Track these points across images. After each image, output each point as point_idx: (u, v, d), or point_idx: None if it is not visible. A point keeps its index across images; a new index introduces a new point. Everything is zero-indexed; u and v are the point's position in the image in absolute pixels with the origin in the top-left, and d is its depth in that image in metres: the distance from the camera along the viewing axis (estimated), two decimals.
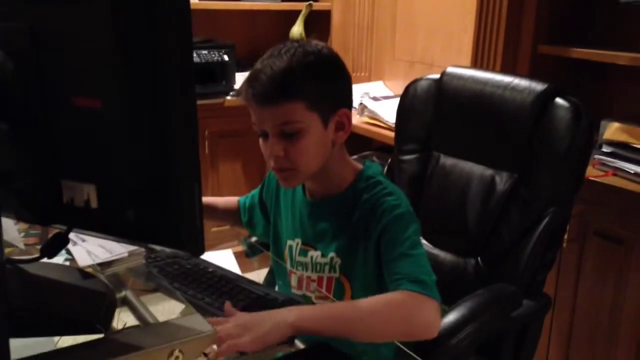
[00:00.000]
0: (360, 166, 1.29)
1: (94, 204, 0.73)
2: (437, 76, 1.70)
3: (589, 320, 2.01)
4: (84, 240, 1.21)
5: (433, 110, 1.68)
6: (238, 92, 1.22)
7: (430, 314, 1.07)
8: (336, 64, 1.20)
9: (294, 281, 1.33)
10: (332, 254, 1.24)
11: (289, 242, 1.33)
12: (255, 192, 1.48)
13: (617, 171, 1.91)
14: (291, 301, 1.15)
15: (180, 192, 0.69)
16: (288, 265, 1.34)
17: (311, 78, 1.14)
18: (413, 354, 1.04)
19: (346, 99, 1.22)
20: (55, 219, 0.80)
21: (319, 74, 1.16)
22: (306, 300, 1.30)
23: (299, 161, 1.16)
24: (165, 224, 0.72)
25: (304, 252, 1.29)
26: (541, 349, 2.01)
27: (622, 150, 1.91)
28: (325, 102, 1.17)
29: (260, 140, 1.21)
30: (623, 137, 1.90)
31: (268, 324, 0.98)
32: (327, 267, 1.25)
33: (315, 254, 1.27)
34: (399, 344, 1.08)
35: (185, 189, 0.69)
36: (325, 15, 3.18)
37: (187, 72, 0.66)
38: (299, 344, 1.10)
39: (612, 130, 1.93)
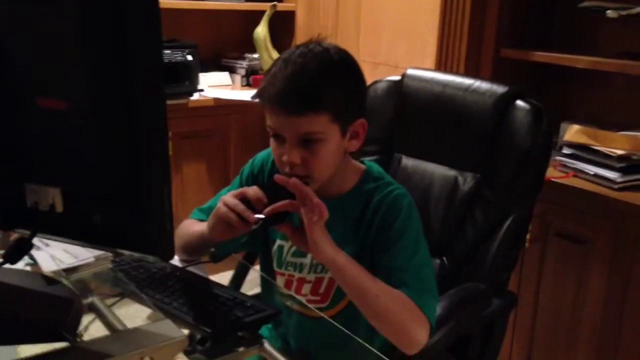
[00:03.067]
0: (362, 166, 1.28)
1: (59, 207, 0.71)
2: (398, 78, 1.71)
3: (550, 318, 2.05)
4: (47, 245, 1.17)
5: (393, 111, 1.69)
6: (258, 94, 1.18)
7: (422, 335, 1.10)
8: (359, 73, 1.19)
9: (280, 282, 1.31)
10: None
11: (279, 242, 1.30)
12: (225, 195, 1.44)
13: (577, 172, 1.95)
14: (260, 304, 1.14)
15: (150, 196, 0.68)
16: (275, 266, 1.32)
17: (338, 91, 1.13)
18: None
19: (364, 108, 1.22)
20: (18, 223, 0.77)
21: (346, 85, 1.15)
22: (296, 302, 1.29)
23: (315, 170, 1.15)
24: (134, 228, 0.70)
25: (301, 253, 1.26)
26: (504, 347, 2.03)
27: (582, 152, 1.95)
28: (348, 114, 1.16)
29: (273, 142, 1.18)
30: (583, 139, 1.94)
31: (327, 239, 1.07)
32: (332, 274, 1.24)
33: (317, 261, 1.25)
34: (379, 354, 1.09)
35: (155, 193, 0.68)
36: (290, 16, 3.17)
37: (157, 73, 0.65)
38: (269, 348, 1.09)
39: (572, 132, 1.97)
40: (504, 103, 1.53)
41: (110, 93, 0.66)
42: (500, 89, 1.54)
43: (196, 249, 1.28)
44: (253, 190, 1.11)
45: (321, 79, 1.11)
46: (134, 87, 0.65)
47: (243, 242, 1.22)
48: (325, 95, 1.11)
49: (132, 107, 0.65)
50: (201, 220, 1.32)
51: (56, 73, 0.67)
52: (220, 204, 1.12)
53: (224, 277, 1.51)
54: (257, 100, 1.19)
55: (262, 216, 1.07)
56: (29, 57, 0.69)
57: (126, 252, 1.11)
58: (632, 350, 1.82)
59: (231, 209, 1.10)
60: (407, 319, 1.10)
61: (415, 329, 1.10)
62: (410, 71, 1.70)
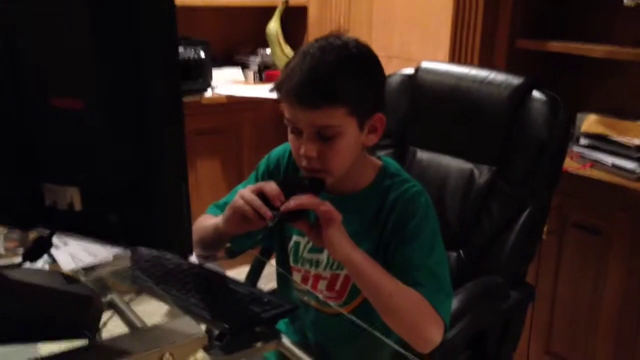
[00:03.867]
0: (379, 162, 1.27)
1: (77, 206, 0.72)
2: (412, 71, 1.70)
3: (569, 311, 2.03)
4: (66, 244, 1.18)
5: (408, 105, 1.68)
6: (275, 87, 1.17)
7: (436, 335, 1.10)
8: (378, 67, 1.18)
9: (296, 277, 1.31)
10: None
11: (296, 238, 1.30)
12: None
13: (595, 163, 1.93)
14: (277, 300, 1.14)
15: (167, 193, 0.68)
16: (291, 262, 1.32)
17: (355, 85, 1.12)
18: (411, 356, 1.05)
19: (382, 103, 1.20)
20: (37, 222, 0.78)
21: (363, 80, 1.14)
22: (312, 298, 1.29)
23: (332, 164, 1.15)
24: (151, 225, 0.71)
25: (318, 249, 1.26)
26: (522, 339, 2.02)
27: (600, 142, 1.93)
28: (365, 108, 1.15)
29: (291, 136, 1.18)
30: (600, 129, 1.92)
31: (344, 236, 1.08)
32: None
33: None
34: (396, 347, 1.10)
35: (173, 189, 0.68)
36: (302, 11, 3.16)
37: (173, 70, 0.65)
38: (287, 343, 1.09)
39: (590, 122, 1.95)
40: (520, 94, 1.51)
41: (125, 91, 0.66)
42: (515, 80, 1.53)
43: (211, 243, 1.27)
44: (270, 187, 1.11)
45: (338, 73, 1.11)
46: (150, 84, 0.65)
47: (259, 239, 1.22)
48: (341, 89, 1.10)
49: (149, 104, 0.65)
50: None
51: (71, 72, 0.68)
52: (237, 197, 1.12)
53: (240, 273, 1.51)
54: (274, 93, 1.18)
55: (277, 213, 1.07)
56: (43, 57, 0.69)
57: (144, 250, 1.12)
58: None
59: (248, 202, 1.10)
60: (421, 319, 1.10)
61: (428, 329, 1.10)
62: (424, 64, 1.69)
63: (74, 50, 0.66)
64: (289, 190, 1.10)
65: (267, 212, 1.08)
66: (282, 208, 1.07)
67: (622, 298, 1.86)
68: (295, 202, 1.07)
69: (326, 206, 1.07)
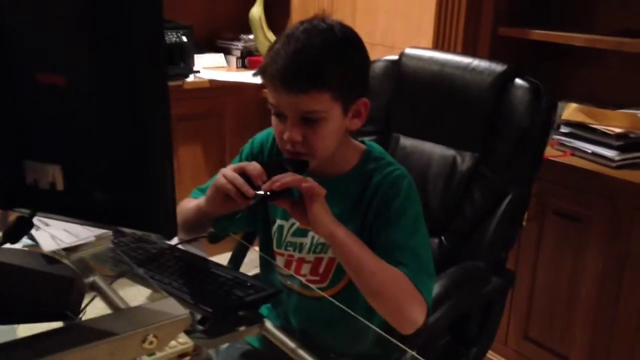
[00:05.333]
0: (363, 146, 1.27)
1: (60, 185, 0.70)
2: (395, 57, 1.70)
3: (547, 296, 2.06)
4: (47, 225, 1.16)
5: (391, 91, 1.68)
6: (259, 70, 1.16)
7: (418, 315, 1.11)
8: (363, 52, 1.17)
9: (280, 262, 1.31)
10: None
11: (280, 222, 1.30)
12: None
13: (575, 151, 1.95)
14: (261, 284, 1.14)
15: (152, 172, 0.67)
16: (274, 246, 1.32)
17: (341, 69, 1.12)
18: (394, 340, 1.06)
19: (367, 87, 1.20)
20: (18, 201, 0.76)
21: (349, 65, 1.13)
22: (295, 282, 1.29)
23: (316, 148, 1.15)
24: (136, 205, 0.70)
25: (301, 232, 1.26)
26: (501, 325, 2.05)
27: (580, 130, 1.95)
28: (350, 92, 1.15)
29: (274, 120, 1.17)
30: (581, 118, 1.94)
31: (327, 213, 1.08)
32: (330, 248, 1.24)
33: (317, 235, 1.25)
34: (379, 331, 1.11)
35: (157, 169, 0.67)
36: None
37: (157, 46, 0.63)
38: (270, 327, 1.09)
39: (570, 110, 1.97)
40: (503, 81, 1.52)
41: (110, 67, 0.65)
42: (499, 67, 1.54)
43: (194, 225, 1.26)
44: (253, 166, 1.10)
45: (324, 57, 1.10)
46: (136, 62, 0.63)
47: (239, 217, 1.21)
48: (327, 74, 1.10)
49: (134, 82, 0.64)
50: None
51: (56, 48, 0.66)
52: (219, 176, 1.12)
53: (222, 259, 1.51)
54: (257, 77, 1.17)
55: (260, 192, 1.07)
56: (28, 32, 0.67)
57: (127, 231, 1.10)
58: (628, 327, 1.83)
59: (230, 181, 1.09)
60: (404, 298, 1.10)
61: (411, 309, 1.10)
62: (408, 50, 1.69)
63: (59, 27, 0.65)
64: (271, 170, 1.10)
65: (250, 190, 1.07)
66: (265, 186, 1.06)
67: (600, 284, 1.89)
68: (278, 181, 1.06)
69: (309, 182, 1.06)
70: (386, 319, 1.12)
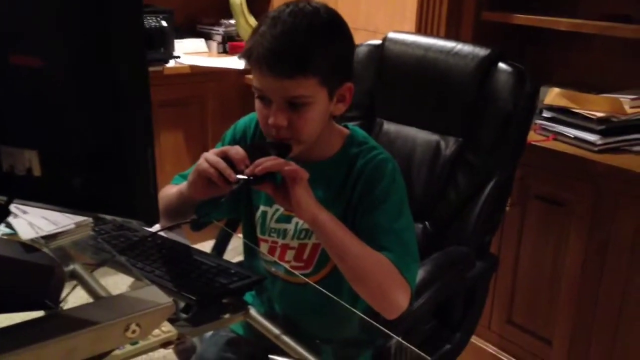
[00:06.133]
0: (346, 130, 1.26)
1: (37, 171, 0.68)
2: (379, 42, 1.69)
3: (530, 280, 2.07)
4: (25, 212, 1.14)
5: (375, 76, 1.67)
6: (244, 53, 1.14)
7: (402, 300, 1.10)
8: (348, 35, 1.16)
9: (263, 248, 1.30)
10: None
11: (263, 208, 1.29)
12: None
13: (557, 135, 1.96)
14: (245, 271, 1.13)
15: (133, 157, 0.65)
16: (258, 232, 1.30)
17: (328, 54, 1.10)
18: (378, 325, 1.05)
19: (352, 72, 1.19)
20: None
21: (335, 49, 1.12)
22: (280, 269, 1.28)
23: (302, 133, 1.13)
24: (116, 191, 0.68)
25: (285, 218, 1.25)
26: (484, 310, 2.06)
27: (563, 115, 1.95)
28: (336, 77, 1.14)
29: (258, 104, 1.16)
30: (563, 102, 1.94)
31: (310, 197, 1.07)
32: (314, 234, 1.23)
33: (301, 220, 1.23)
34: (365, 317, 1.10)
35: (138, 153, 0.65)
36: None
37: (137, 25, 0.61)
38: (254, 314, 1.08)
39: (553, 95, 1.97)
40: (486, 66, 1.51)
41: (89, 49, 0.62)
42: (482, 51, 1.53)
43: (176, 211, 1.25)
44: (235, 150, 1.08)
45: (311, 42, 1.09)
46: (115, 42, 0.61)
47: (222, 202, 1.20)
48: (314, 59, 1.08)
49: (113, 63, 0.62)
50: None
51: (31, 28, 0.64)
52: (201, 160, 1.10)
53: (205, 246, 1.49)
54: (242, 61, 1.15)
55: (243, 176, 1.05)
56: (1, 13, 0.65)
57: (108, 218, 1.08)
58: (609, 310, 1.85)
59: (212, 165, 1.07)
60: (388, 283, 1.10)
61: (395, 293, 1.10)
62: (391, 35, 1.68)
63: (36, 7, 0.63)
64: (254, 154, 1.08)
65: (232, 175, 1.05)
66: (247, 171, 1.05)
67: (582, 268, 1.90)
68: (260, 165, 1.05)
69: (291, 166, 1.05)
70: (370, 304, 1.12)
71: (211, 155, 1.09)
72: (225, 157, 1.08)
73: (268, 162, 1.05)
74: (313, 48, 1.08)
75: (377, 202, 1.16)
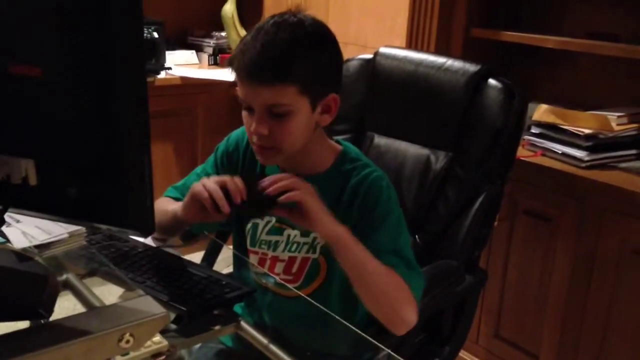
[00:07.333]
0: (339, 146, 1.27)
1: (32, 180, 0.68)
2: (370, 56, 1.70)
3: (518, 294, 2.08)
4: (18, 221, 1.13)
5: (365, 90, 1.68)
6: (229, 62, 1.15)
7: (412, 316, 1.12)
8: (333, 46, 1.16)
9: (253, 260, 1.29)
10: (315, 234, 1.21)
11: (254, 220, 1.29)
12: (200, 172, 1.38)
13: (545, 151, 1.98)
14: (235, 282, 1.13)
15: (129, 166, 0.66)
16: (248, 244, 1.30)
17: (308, 63, 1.11)
18: (369, 338, 1.05)
19: (337, 83, 1.19)
20: None
21: (317, 59, 1.12)
22: (269, 281, 1.28)
23: (283, 142, 1.14)
24: (112, 201, 0.68)
25: (277, 231, 1.25)
26: (472, 324, 2.07)
27: (550, 131, 1.98)
28: (318, 87, 1.14)
29: (244, 113, 1.16)
30: (551, 119, 1.96)
31: (327, 213, 1.09)
32: (305, 247, 1.23)
33: (292, 232, 1.24)
34: (356, 330, 1.10)
35: (135, 163, 0.65)
36: None
37: (137, 37, 0.62)
38: (245, 326, 1.08)
39: (541, 111, 2.00)
40: (476, 81, 1.53)
41: (87, 59, 0.63)
42: (472, 67, 1.55)
43: (169, 229, 1.25)
44: (234, 183, 1.09)
45: (291, 51, 1.09)
46: (113, 53, 0.62)
47: (216, 224, 1.21)
48: (294, 67, 1.09)
49: (111, 73, 0.62)
50: (176, 199, 1.30)
51: (30, 38, 0.64)
52: (199, 184, 1.10)
53: (195, 257, 1.49)
54: (230, 74, 1.16)
55: (235, 210, 1.07)
56: (1, 21, 0.65)
57: (102, 227, 1.08)
58: (596, 324, 1.87)
59: (209, 192, 1.08)
60: (400, 299, 1.11)
61: (406, 309, 1.11)
62: (382, 49, 1.69)
63: (34, 15, 0.63)
64: (252, 190, 1.09)
65: (226, 207, 1.06)
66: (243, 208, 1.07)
67: (569, 283, 1.92)
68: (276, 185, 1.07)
69: (297, 196, 1.07)
70: (380, 320, 1.12)
71: (210, 182, 1.10)
72: (223, 186, 1.08)
73: (283, 182, 1.07)
74: (293, 57, 1.09)
75: (376, 223, 1.17)
